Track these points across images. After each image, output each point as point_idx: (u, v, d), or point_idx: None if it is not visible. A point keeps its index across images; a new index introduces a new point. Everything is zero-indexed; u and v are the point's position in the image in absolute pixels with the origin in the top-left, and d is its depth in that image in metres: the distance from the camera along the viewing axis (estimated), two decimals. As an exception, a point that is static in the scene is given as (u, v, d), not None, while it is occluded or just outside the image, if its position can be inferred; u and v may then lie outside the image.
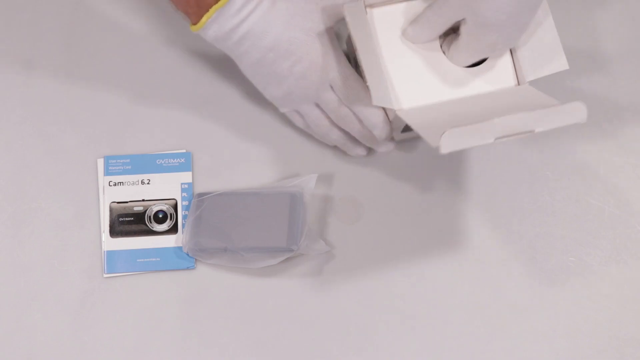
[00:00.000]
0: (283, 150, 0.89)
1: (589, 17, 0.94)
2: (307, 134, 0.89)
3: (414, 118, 0.76)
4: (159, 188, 0.88)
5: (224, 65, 0.92)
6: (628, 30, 0.94)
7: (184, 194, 0.87)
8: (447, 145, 0.69)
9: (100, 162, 0.88)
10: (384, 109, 0.80)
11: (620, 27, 0.94)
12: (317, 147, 0.89)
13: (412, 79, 0.78)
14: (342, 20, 0.80)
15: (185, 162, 0.88)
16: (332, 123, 0.84)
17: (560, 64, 0.78)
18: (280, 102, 0.84)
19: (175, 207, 0.87)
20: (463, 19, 0.75)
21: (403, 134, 0.85)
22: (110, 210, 0.87)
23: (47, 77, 0.91)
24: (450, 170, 0.88)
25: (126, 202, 0.87)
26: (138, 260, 0.85)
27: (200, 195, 0.86)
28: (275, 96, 0.83)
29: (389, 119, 0.81)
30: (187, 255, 0.85)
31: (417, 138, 0.88)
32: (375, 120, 0.81)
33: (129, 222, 0.87)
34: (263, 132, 0.90)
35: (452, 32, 0.79)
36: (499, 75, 0.79)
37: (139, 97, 0.91)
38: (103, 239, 0.86)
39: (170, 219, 0.87)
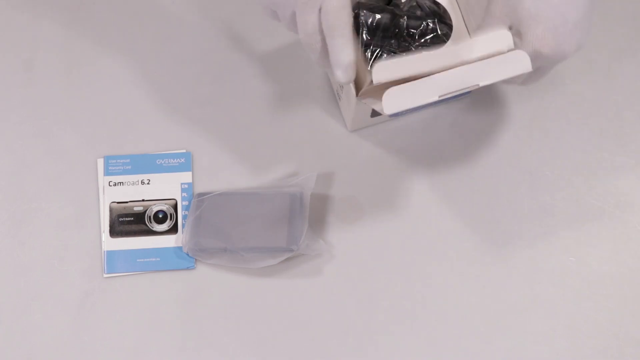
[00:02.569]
0: (283, 150, 0.89)
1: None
2: (307, 134, 0.89)
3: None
4: (159, 188, 0.88)
5: (224, 65, 0.92)
6: (628, 30, 0.94)
7: (184, 194, 0.87)
8: (390, 105, 0.69)
9: (100, 162, 0.88)
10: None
11: (620, 26, 0.94)
12: (317, 147, 0.89)
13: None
14: None
15: (185, 162, 0.88)
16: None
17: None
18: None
19: (175, 207, 0.87)
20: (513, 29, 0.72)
21: (372, 118, 0.85)
22: (110, 210, 0.87)
23: (47, 77, 0.91)
24: (450, 171, 0.88)
25: (126, 202, 0.87)
26: (138, 260, 0.85)
27: (200, 195, 0.86)
28: None
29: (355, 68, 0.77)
30: (187, 255, 0.85)
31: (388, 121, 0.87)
32: (343, 59, 0.73)
33: (129, 222, 0.87)
34: (263, 132, 0.90)
35: None
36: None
37: (139, 97, 0.91)
38: (103, 239, 0.86)
39: (170, 219, 0.87)
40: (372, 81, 0.74)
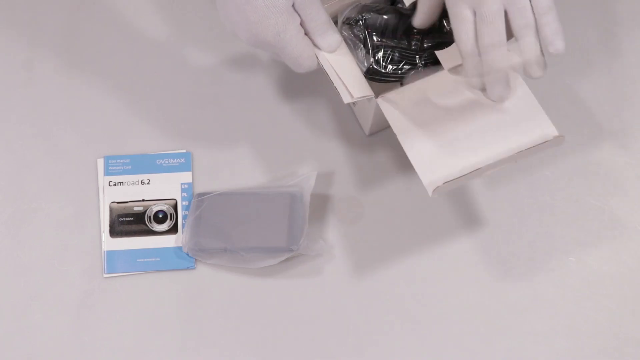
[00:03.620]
0: (283, 150, 0.89)
1: (589, 17, 0.94)
2: (307, 133, 0.89)
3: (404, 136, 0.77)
4: (159, 188, 0.88)
5: (224, 65, 0.92)
6: (628, 31, 0.94)
7: (184, 194, 0.87)
8: (436, 192, 0.74)
9: (100, 162, 0.88)
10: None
11: (620, 27, 0.94)
12: (317, 147, 0.89)
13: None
14: None
15: (185, 162, 0.88)
16: None
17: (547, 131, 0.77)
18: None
19: (175, 207, 0.87)
20: None
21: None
22: (110, 210, 0.87)
23: (47, 77, 0.92)
24: (450, 170, 0.89)
25: (126, 202, 0.87)
26: (138, 260, 0.85)
27: (200, 195, 0.86)
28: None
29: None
30: (187, 255, 0.85)
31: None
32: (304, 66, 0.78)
33: (129, 222, 0.87)
34: (263, 132, 0.90)
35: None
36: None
37: (139, 97, 0.91)
38: (103, 239, 0.86)
39: (170, 219, 0.87)
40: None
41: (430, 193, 0.74)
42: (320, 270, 0.85)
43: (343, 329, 0.84)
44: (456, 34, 0.75)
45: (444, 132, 0.76)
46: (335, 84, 0.77)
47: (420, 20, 0.79)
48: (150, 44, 0.93)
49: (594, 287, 0.85)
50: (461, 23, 0.74)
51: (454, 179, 0.75)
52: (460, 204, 0.88)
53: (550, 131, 0.76)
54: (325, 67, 0.78)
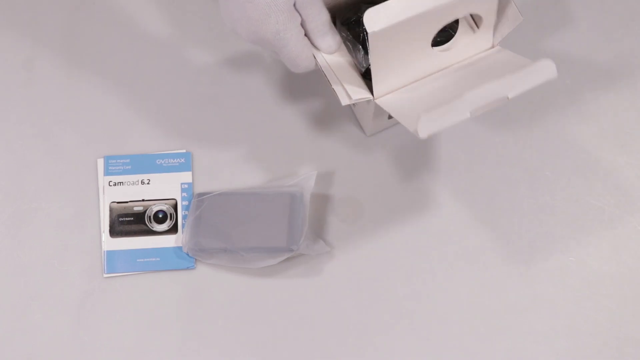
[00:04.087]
0: (283, 150, 0.89)
1: (588, 18, 0.94)
2: (307, 133, 0.89)
3: (392, 105, 0.76)
4: (159, 188, 0.88)
5: (224, 65, 0.92)
6: (628, 31, 0.94)
7: (184, 194, 0.87)
8: (425, 128, 0.70)
9: (100, 162, 0.88)
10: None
11: (620, 27, 0.94)
12: (317, 147, 0.89)
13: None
14: None
15: (185, 162, 0.88)
16: None
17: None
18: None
19: (175, 207, 0.87)
20: None
21: (390, 120, 0.86)
22: (110, 210, 0.87)
23: (47, 77, 0.92)
24: (450, 171, 0.88)
25: (126, 202, 0.87)
26: (138, 260, 0.85)
27: (200, 195, 0.86)
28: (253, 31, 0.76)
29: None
30: (187, 255, 0.85)
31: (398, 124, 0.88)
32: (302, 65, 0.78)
33: (129, 222, 0.87)
34: (263, 132, 0.90)
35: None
36: (467, 47, 0.79)
37: (139, 97, 0.91)
38: (103, 239, 0.86)
39: (170, 219, 0.87)
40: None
41: (418, 132, 0.70)
42: (320, 270, 0.85)
43: (343, 329, 0.84)
44: None
45: (440, 96, 0.75)
46: (333, 86, 0.77)
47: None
48: (150, 44, 0.93)
49: (594, 287, 0.85)
50: None
51: (440, 110, 0.70)
52: (460, 204, 0.88)
53: (552, 72, 0.73)
54: (323, 68, 0.78)
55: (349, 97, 0.77)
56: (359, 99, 0.77)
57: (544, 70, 0.72)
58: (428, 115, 0.70)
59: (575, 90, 0.92)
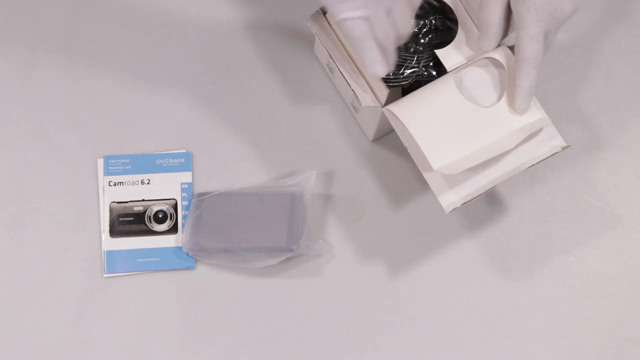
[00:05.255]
0: (283, 150, 0.89)
1: (589, 17, 0.94)
2: (306, 133, 0.89)
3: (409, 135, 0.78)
4: (159, 188, 0.88)
5: (224, 65, 0.92)
6: (628, 31, 0.94)
7: (184, 194, 0.87)
8: (451, 207, 0.76)
9: (100, 162, 0.88)
10: None
11: (620, 27, 0.94)
12: (317, 147, 0.89)
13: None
14: None
15: (185, 162, 0.88)
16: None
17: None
18: (354, 5, 0.73)
19: (175, 207, 0.87)
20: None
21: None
22: (110, 210, 0.87)
23: (47, 77, 0.91)
24: (450, 170, 0.88)
25: (126, 202, 0.87)
26: (138, 260, 0.85)
27: (200, 195, 0.86)
28: None
29: None
30: (187, 255, 0.85)
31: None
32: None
33: (129, 222, 0.87)
34: (263, 132, 0.90)
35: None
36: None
37: (139, 97, 0.91)
38: (103, 239, 0.86)
39: (170, 219, 0.87)
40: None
41: (448, 212, 0.76)
42: (320, 270, 0.85)
43: (343, 329, 0.84)
44: (526, 50, 0.75)
45: (458, 150, 0.77)
46: (353, 88, 0.79)
47: (494, 42, 0.78)
48: (150, 43, 0.93)
49: (594, 287, 0.85)
50: (535, 42, 0.75)
51: (471, 200, 0.76)
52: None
53: (557, 142, 0.78)
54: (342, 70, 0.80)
55: (379, 101, 0.78)
56: (370, 105, 0.79)
57: (552, 142, 0.78)
58: (459, 206, 0.75)
59: (575, 90, 0.92)
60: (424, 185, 0.88)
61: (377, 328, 0.84)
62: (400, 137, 0.77)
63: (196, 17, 0.94)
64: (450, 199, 0.76)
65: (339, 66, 0.80)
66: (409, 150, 0.77)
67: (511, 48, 0.78)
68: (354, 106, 0.88)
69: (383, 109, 0.78)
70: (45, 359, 0.83)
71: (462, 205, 0.76)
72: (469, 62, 0.79)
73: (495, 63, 0.79)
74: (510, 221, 0.87)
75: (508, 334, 0.84)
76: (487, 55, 0.79)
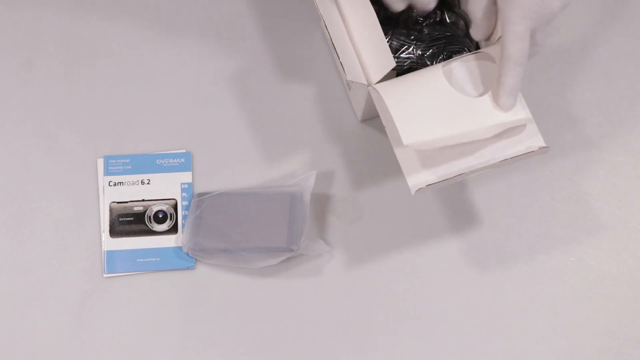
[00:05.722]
0: (283, 150, 0.89)
1: (589, 17, 0.94)
2: (306, 133, 0.89)
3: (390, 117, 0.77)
4: (159, 188, 0.88)
5: (224, 65, 0.92)
6: (628, 30, 0.94)
7: (184, 194, 0.87)
8: (420, 193, 0.76)
9: (100, 162, 0.88)
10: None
11: (620, 27, 0.94)
12: (317, 147, 0.89)
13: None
14: None
15: (185, 162, 0.88)
16: None
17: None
18: None
19: (175, 207, 0.87)
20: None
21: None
22: (110, 210, 0.87)
23: (47, 77, 0.91)
24: (450, 170, 0.89)
25: (126, 202, 0.87)
26: (138, 260, 0.85)
27: (200, 195, 0.86)
28: None
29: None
30: (187, 255, 0.85)
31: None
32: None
33: (129, 222, 0.87)
34: (263, 131, 0.90)
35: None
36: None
37: (138, 97, 0.91)
38: (103, 239, 0.86)
39: (170, 219, 0.87)
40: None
41: (413, 192, 0.75)
42: (320, 270, 0.85)
43: (343, 329, 0.84)
44: (510, 48, 0.75)
45: (433, 131, 0.76)
46: (341, 61, 0.78)
47: (481, 33, 0.79)
48: (150, 43, 0.93)
49: (594, 287, 0.85)
50: (520, 40, 0.74)
51: (437, 182, 0.75)
52: (459, 204, 0.88)
53: (536, 142, 0.77)
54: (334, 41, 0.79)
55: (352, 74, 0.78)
56: (355, 81, 0.78)
57: (531, 140, 0.76)
58: (427, 188, 0.75)
59: (574, 90, 0.92)
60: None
61: (377, 328, 0.84)
62: (381, 116, 0.77)
63: (196, 17, 0.94)
64: (418, 180, 0.75)
65: (332, 37, 0.79)
66: (387, 130, 0.77)
67: None
68: (348, 85, 0.88)
69: (369, 87, 0.78)
70: (45, 359, 0.83)
71: (427, 186, 0.75)
72: (463, 55, 0.79)
73: (489, 58, 0.79)
74: (510, 221, 0.87)
75: (508, 334, 0.84)
76: (483, 50, 0.79)
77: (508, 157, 0.76)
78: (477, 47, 0.84)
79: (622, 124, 0.91)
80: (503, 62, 0.75)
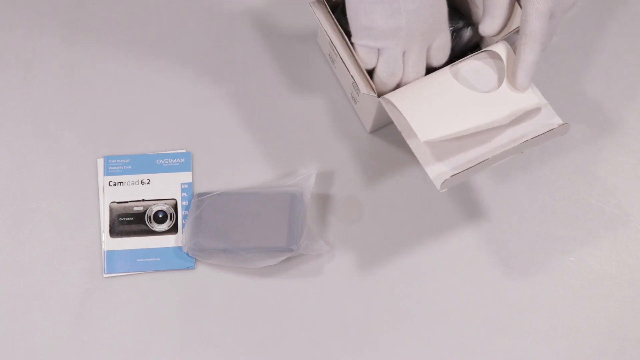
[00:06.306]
0: (283, 150, 0.89)
1: (589, 17, 0.94)
2: (306, 133, 0.89)
3: (401, 118, 0.77)
4: (159, 188, 0.88)
5: (224, 65, 0.92)
6: (628, 30, 0.94)
7: (184, 194, 0.87)
8: (446, 186, 0.75)
9: (100, 162, 0.88)
10: None
11: (620, 27, 0.94)
12: (317, 147, 0.89)
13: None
14: None
15: (185, 162, 0.88)
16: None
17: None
18: (368, 34, 0.77)
19: (175, 207, 0.87)
20: None
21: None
22: (110, 210, 0.87)
23: (47, 77, 0.92)
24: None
25: (126, 202, 0.87)
26: (138, 260, 0.85)
27: (200, 195, 0.86)
28: (371, 26, 0.76)
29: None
30: (187, 255, 0.85)
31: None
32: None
33: (129, 222, 0.87)
34: (263, 131, 0.90)
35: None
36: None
37: (139, 97, 0.91)
38: (103, 239, 0.86)
39: (170, 219, 0.87)
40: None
41: (438, 187, 0.75)
42: (320, 270, 0.85)
43: (343, 329, 0.84)
44: (532, 25, 0.75)
45: (450, 126, 0.76)
46: (352, 75, 0.79)
47: (497, 24, 0.79)
48: (150, 43, 0.93)
49: (594, 287, 0.85)
50: (542, 19, 0.75)
51: (461, 172, 0.75)
52: (459, 204, 0.88)
53: (555, 120, 0.77)
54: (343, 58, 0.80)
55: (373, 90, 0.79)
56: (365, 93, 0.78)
57: (557, 131, 0.77)
58: (452, 180, 0.74)
59: (575, 90, 0.92)
60: (424, 184, 0.88)
61: (377, 328, 0.84)
62: (395, 123, 0.78)
63: (196, 16, 0.94)
64: (439, 170, 0.75)
65: (339, 52, 0.80)
66: (403, 135, 0.77)
67: (513, 47, 0.79)
68: (353, 97, 0.88)
69: (380, 99, 0.78)
70: (45, 359, 0.83)
71: (451, 177, 0.74)
72: (468, 55, 0.79)
73: (494, 56, 0.79)
74: (510, 221, 0.87)
75: (508, 334, 0.84)
76: (487, 48, 0.79)
77: (529, 138, 0.75)
78: (475, 46, 0.84)
79: (622, 124, 0.91)
80: (525, 39, 0.75)
